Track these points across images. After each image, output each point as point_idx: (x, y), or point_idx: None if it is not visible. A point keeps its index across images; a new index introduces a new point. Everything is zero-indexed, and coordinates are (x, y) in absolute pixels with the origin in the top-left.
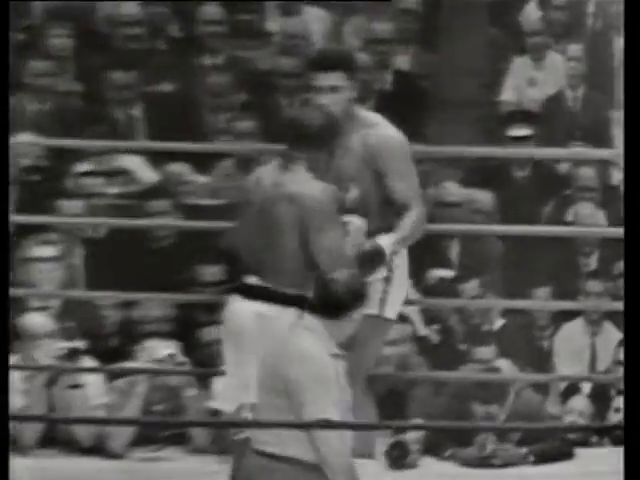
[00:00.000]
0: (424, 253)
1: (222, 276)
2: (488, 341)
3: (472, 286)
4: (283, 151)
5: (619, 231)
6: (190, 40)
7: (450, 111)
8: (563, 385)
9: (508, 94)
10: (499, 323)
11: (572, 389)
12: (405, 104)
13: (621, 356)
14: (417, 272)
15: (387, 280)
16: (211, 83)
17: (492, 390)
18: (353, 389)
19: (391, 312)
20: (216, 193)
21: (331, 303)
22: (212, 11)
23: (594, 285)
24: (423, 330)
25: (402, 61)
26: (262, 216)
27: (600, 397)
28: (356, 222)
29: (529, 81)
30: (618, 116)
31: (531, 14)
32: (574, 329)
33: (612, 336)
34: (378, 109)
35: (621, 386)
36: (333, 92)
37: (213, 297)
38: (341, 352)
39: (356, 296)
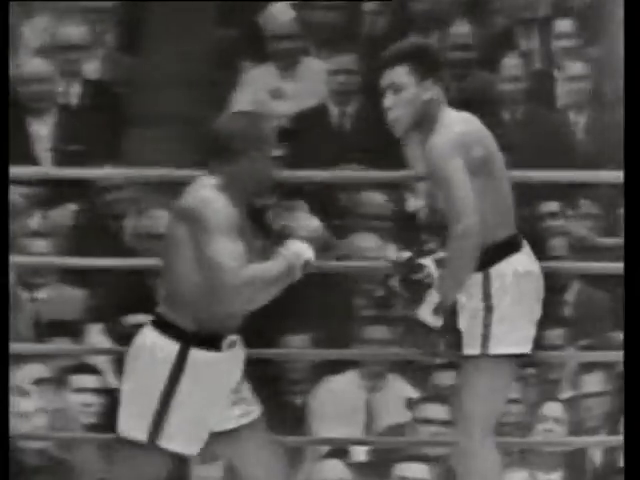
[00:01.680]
0: (122, 295)
1: None
2: None
3: None
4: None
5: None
6: None
7: (157, 128)
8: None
9: (242, 108)
10: None
11: (336, 455)
12: (97, 120)
13: (412, 415)
14: (112, 316)
15: (488, 309)
16: None
17: None
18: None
19: (500, 348)
20: None
21: None
22: None
23: (376, 330)
24: (115, 382)
25: (92, 69)
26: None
27: (378, 465)
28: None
29: (274, 93)
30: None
31: (278, 15)
32: (342, 384)
33: (398, 392)
34: (64, 126)
35: (405, 452)
36: (395, 91)
37: None
38: None
39: None
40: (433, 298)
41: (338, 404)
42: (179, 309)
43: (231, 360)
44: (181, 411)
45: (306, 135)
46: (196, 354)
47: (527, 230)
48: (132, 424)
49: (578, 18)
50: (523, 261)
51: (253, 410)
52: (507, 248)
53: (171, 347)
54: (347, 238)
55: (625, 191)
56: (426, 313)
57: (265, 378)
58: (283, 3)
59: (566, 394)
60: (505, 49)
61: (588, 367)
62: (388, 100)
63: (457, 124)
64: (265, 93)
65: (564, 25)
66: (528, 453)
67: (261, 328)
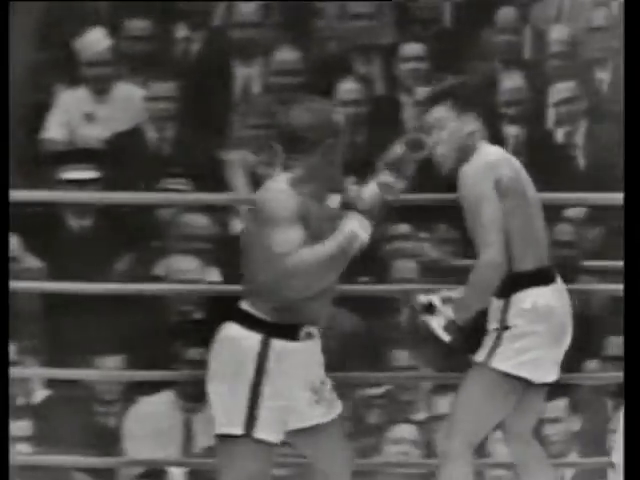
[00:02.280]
0: None
1: None
2: (22, 416)
3: None
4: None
5: None
6: None
7: None
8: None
9: (56, 131)
10: (41, 395)
11: (151, 476)
12: None
13: None
14: None
15: (502, 328)
16: None
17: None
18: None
19: (503, 364)
20: None
21: None
22: None
23: (194, 352)
24: None
25: None
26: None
27: None
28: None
29: (87, 117)
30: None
31: (93, 42)
32: (157, 404)
33: None
34: None
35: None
36: (439, 128)
37: None
38: None
39: None
40: (447, 313)
41: (153, 425)
42: (258, 301)
43: (308, 351)
44: (271, 401)
45: (123, 158)
46: (277, 344)
47: (372, 252)
48: (227, 419)
49: (427, 44)
50: (546, 296)
51: (334, 410)
52: (532, 279)
53: (254, 338)
54: (166, 259)
55: (625, 211)
56: (437, 325)
57: (76, 399)
58: (98, 31)
59: (420, 416)
60: (340, 74)
61: (442, 389)
62: (434, 137)
63: (490, 153)
64: (78, 116)
65: (413, 49)
66: (377, 475)
67: (74, 348)
